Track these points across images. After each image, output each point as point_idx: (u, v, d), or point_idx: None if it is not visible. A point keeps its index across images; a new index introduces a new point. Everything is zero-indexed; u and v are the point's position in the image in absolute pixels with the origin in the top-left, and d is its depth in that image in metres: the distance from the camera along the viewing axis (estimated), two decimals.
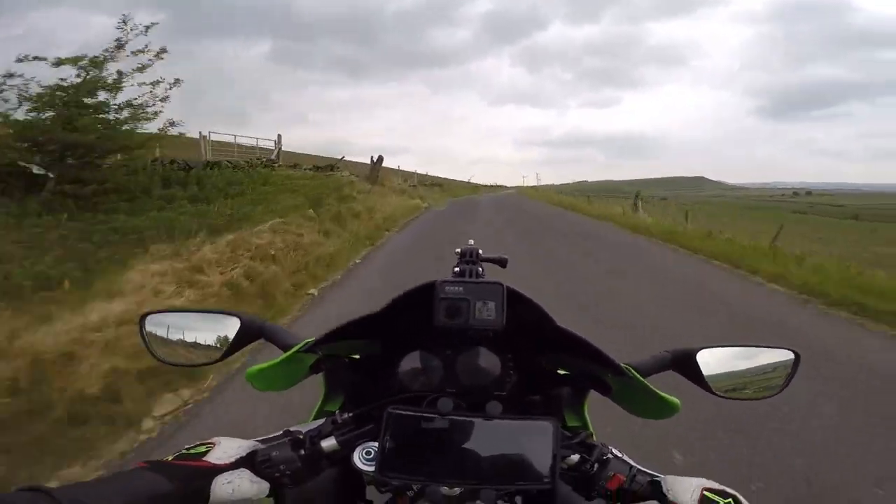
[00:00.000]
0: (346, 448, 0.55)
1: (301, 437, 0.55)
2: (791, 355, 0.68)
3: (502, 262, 0.99)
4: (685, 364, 0.67)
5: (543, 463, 0.50)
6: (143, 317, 0.70)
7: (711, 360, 0.66)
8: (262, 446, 0.54)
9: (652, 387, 0.61)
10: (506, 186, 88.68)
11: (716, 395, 0.66)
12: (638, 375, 0.61)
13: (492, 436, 0.52)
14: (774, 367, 0.68)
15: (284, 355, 0.61)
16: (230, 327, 0.68)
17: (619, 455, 0.57)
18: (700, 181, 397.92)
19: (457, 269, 0.77)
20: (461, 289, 0.57)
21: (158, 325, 0.70)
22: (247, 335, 0.69)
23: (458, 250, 0.84)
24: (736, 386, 0.68)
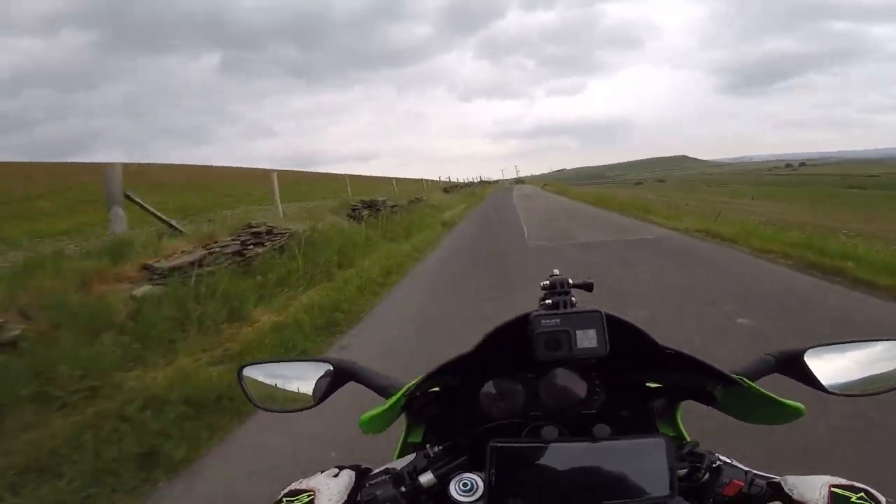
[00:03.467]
0: (442, 481, 0.55)
1: (399, 473, 0.55)
2: None
3: (589, 287, 0.81)
4: (792, 366, 0.65)
5: (661, 479, 0.49)
6: (241, 368, 0.73)
7: (820, 359, 0.64)
8: (352, 477, 0.55)
9: (770, 394, 0.59)
10: (501, 181, 78.79)
11: (831, 394, 0.63)
12: (751, 383, 0.60)
13: (602, 458, 0.51)
14: (889, 358, 0.65)
15: (391, 401, 0.61)
16: (323, 372, 0.70)
17: (729, 461, 0.57)
18: (682, 160, 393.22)
19: (548, 301, 0.68)
20: (558, 320, 0.56)
21: (256, 375, 0.72)
22: (339, 379, 0.71)
23: (545, 283, 0.72)
24: (849, 382, 0.64)
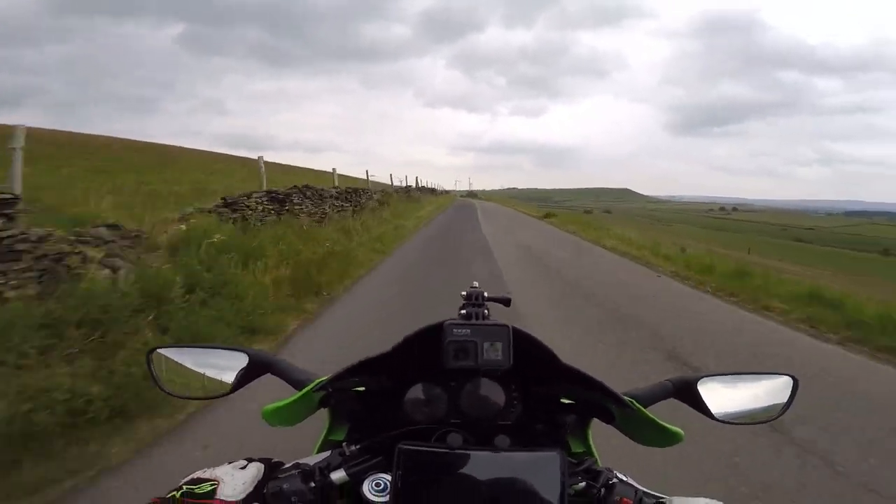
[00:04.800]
0: (355, 480, 0.56)
1: (310, 468, 0.55)
2: (790, 381, 0.70)
3: (506, 302, 0.94)
4: (686, 392, 0.68)
5: (552, 492, 0.51)
6: (151, 351, 0.70)
7: (712, 388, 0.68)
8: (260, 469, 0.55)
9: (654, 417, 0.62)
10: (453, 192, 73.09)
11: (717, 421, 0.67)
12: (640, 406, 0.63)
13: (501, 468, 0.53)
14: (774, 392, 0.70)
15: (298, 394, 0.62)
16: (238, 362, 0.69)
17: (624, 478, 0.59)
18: (626, 193, 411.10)
19: (463, 311, 0.73)
20: (469, 331, 0.58)
21: (166, 360, 0.70)
22: (254, 370, 0.70)
23: (464, 293, 0.79)
24: (736, 412, 0.68)
